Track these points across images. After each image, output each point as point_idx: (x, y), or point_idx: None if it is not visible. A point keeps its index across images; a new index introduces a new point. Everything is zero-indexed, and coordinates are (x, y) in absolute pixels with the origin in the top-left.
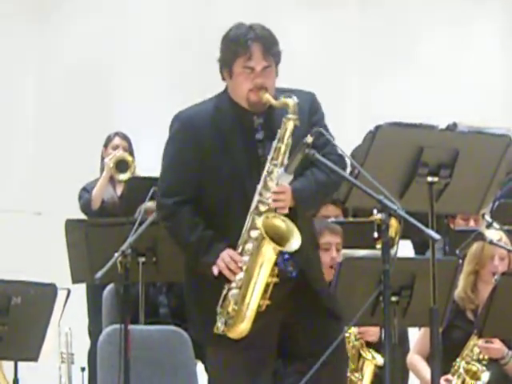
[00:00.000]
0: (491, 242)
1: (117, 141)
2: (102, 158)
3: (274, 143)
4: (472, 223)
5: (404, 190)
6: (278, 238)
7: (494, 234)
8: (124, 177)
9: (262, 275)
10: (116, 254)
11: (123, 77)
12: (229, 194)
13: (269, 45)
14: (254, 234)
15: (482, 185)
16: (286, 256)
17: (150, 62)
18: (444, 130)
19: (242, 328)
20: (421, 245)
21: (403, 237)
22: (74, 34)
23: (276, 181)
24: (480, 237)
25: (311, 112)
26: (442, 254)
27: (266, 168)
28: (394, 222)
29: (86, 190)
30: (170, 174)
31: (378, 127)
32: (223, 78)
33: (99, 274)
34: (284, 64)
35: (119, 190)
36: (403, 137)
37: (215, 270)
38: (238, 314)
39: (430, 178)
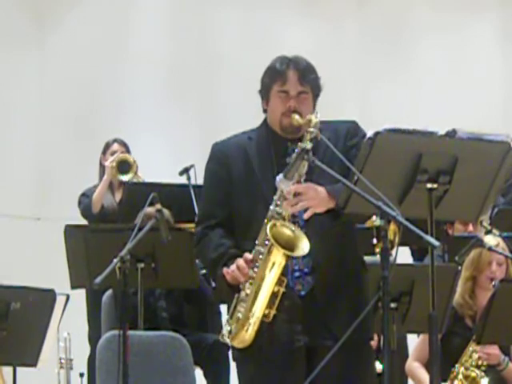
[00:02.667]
0: (490, 249)
1: (115, 147)
2: (101, 165)
3: (293, 155)
4: (470, 228)
5: (403, 196)
6: (288, 245)
7: (492, 239)
8: (126, 178)
9: (269, 282)
10: (115, 260)
11: (122, 85)
12: (253, 214)
13: (304, 71)
14: (267, 244)
15: (481, 191)
16: (297, 274)
17: (149, 70)
18: (443, 136)
19: (245, 335)
20: (419, 251)
21: (402, 243)
22: (74, 41)
23: (279, 189)
24: (479, 243)
25: (347, 137)
26: (440, 261)
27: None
28: (391, 224)
29: (86, 196)
30: (204, 199)
31: (376, 133)
32: (264, 111)
33: (98, 280)
34: None
35: (118, 196)
36: (402, 143)
37: (225, 270)
38: (242, 322)
39: (429, 185)
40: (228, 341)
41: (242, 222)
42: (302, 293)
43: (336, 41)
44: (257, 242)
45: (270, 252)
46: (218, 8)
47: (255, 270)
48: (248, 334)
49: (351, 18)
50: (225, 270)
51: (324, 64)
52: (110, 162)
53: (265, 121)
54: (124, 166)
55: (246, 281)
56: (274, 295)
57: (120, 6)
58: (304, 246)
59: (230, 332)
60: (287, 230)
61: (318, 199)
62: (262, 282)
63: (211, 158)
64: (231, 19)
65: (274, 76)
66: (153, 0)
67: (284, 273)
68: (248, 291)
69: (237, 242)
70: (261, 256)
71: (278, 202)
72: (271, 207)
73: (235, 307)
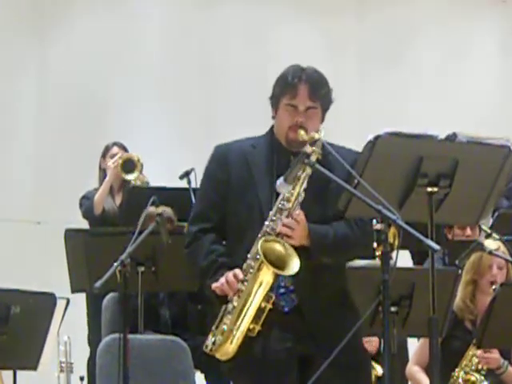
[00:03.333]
0: (490, 252)
1: (115, 150)
2: (100, 168)
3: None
4: (469, 232)
5: (403, 200)
6: (278, 262)
7: (492, 243)
8: (131, 177)
9: (257, 298)
10: (115, 264)
11: (122, 89)
12: (248, 223)
13: (316, 86)
14: (258, 259)
15: (481, 195)
16: (282, 290)
17: (146, 74)
18: (444, 140)
19: (229, 349)
20: (419, 254)
21: (402, 247)
22: (74, 46)
23: (279, 193)
24: (479, 247)
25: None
26: (441, 264)
27: (282, 195)
28: (391, 228)
29: (87, 198)
30: (200, 199)
31: (377, 137)
32: (273, 118)
33: (98, 284)
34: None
35: (118, 200)
36: (402, 147)
37: (215, 284)
38: (227, 334)
39: (429, 188)
40: (211, 351)
41: (235, 229)
42: (286, 309)
43: (334, 45)
44: (249, 255)
45: (259, 269)
46: (218, 12)
47: (244, 283)
48: (231, 347)
49: (352, 25)
50: (214, 285)
51: (322, 67)
52: (113, 162)
53: (271, 129)
54: (129, 165)
55: (234, 294)
56: (260, 311)
57: (120, 11)
58: (294, 265)
59: (213, 343)
60: (279, 247)
61: (299, 237)
62: (249, 297)
63: (212, 160)
64: (231, 23)
65: (284, 88)
66: (152, 6)
67: (271, 289)
68: (235, 303)
69: (228, 249)
70: (251, 270)
71: (274, 218)
72: (266, 222)
73: (221, 318)
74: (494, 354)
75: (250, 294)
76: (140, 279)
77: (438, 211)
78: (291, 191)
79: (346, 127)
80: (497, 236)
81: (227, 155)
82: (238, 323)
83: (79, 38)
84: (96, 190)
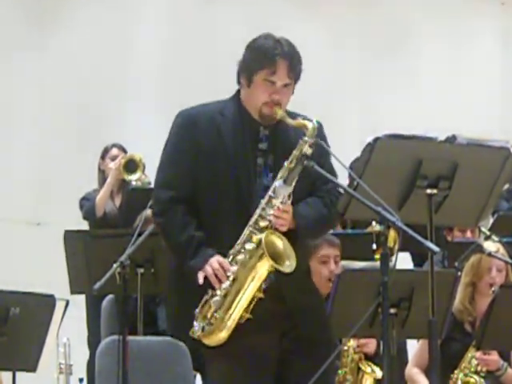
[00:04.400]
0: (490, 254)
1: (114, 152)
2: (100, 170)
3: (286, 163)
4: (469, 234)
5: (403, 201)
6: (275, 257)
7: (491, 245)
8: (134, 177)
9: (251, 289)
10: (114, 265)
11: (122, 90)
12: (223, 197)
13: (294, 63)
14: (249, 246)
15: (481, 197)
16: (263, 286)
17: (148, 72)
18: (443, 142)
19: (221, 337)
20: (419, 256)
21: (402, 249)
22: (76, 46)
23: (279, 195)
24: (479, 249)
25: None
26: (440, 266)
27: (273, 186)
28: (391, 232)
29: (87, 199)
30: (168, 166)
31: (376, 139)
32: (238, 82)
33: (97, 285)
34: None
35: (117, 201)
36: (402, 149)
37: (201, 277)
38: (218, 322)
39: (428, 190)
40: (199, 337)
41: (206, 199)
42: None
43: (338, 45)
44: (239, 241)
45: (258, 259)
46: (219, 10)
47: (234, 268)
48: (222, 336)
49: (353, 26)
50: (200, 274)
51: (325, 68)
52: (115, 163)
53: (237, 96)
54: (131, 165)
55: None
56: (252, 300)
57: (121, 9)
58: (291, 263)
59: (202, 329)
60: (280, 242)
61: (289, 221)
62: (243, 287)
63: (179, 126)
64: (233, 20)
65: (263, 60)
66: (154, 2)
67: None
68: (224, 291)
69: (201, 222)
70: (242, 256)
71: (265, 206)
72: (257, 210)
73: (205, 302)
74: (494, 356)
75: (244, 283)
76: (139, 281)
77: (438, 213)
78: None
79: (348, 119)
80: (496, 238)
81: (195, 119)
82: (231, 312)
83: (81, 38)
84: (95, 191)
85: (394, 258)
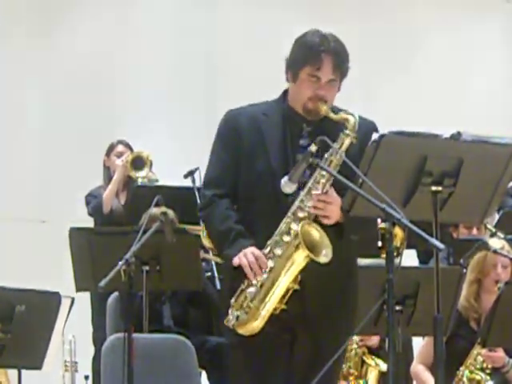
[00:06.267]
0: (495, 251)
1: (120, 148)
2: (105, 166)
3: (327, 155)
4: (475, 231)
5: (408, 198)
6: (311, 247)
7: (497, 242)
8: (141, 174)
9: (286, 279)
10: (120, 263)
11: (127, 86)
12: (260, 191)
13: (340, 60)
14: (287, 238)
15: (486, 194)
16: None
17: (151, 71)
18: (448, 138)
19: (255, 326)
20: (425, 254)
21: (407, 246)
22: (79, 43)
23: (285, 191)
24: (484, 246)
25: (366, 140)
26: (445, 263)
27: (313, 177)
28: (399, 232)
29: (93, 196)
30: (212, 166)
31: (381, 136)
32: (287, 79)
33: (103, 283)
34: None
35: (123, 198)
36: (407, 146)
37: (236, 261)
38: (253, 312)
39: (433, 187)
40: (233, 326)
41: (245, 197)
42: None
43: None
44: (276, 231)
45: (295, 249)
46: (222, 9)
47: (270, 263)
48: (256, 325)
49: (354, 20)
50: (235, 260)
51: None
52: (122, 160)
53: (284, 95)
54: (138, 162)
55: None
56: (287, 291)
57: (124, 8)
58: (328, 253)
59: (237, 318)
60: (316, 233)
61: (336, 214)
62: (279, 277)
63: (223, 124)
64: (235, 20)
65: (308, 56)
66: (160, 3)
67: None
68: (260, 282)
69: (240, 219)
70: (279, 249)
71: (304, 198)
72: (296, 202)
73: (241, 292)
74: (499, 353)
75: (281, 273)
76: (145, 278)
77: (443, 210)
78: (323, 172)
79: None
80: (501, 235)
81: (238, 120)
82: (266, 302)
83: (84, 36)
84: (101, 187)
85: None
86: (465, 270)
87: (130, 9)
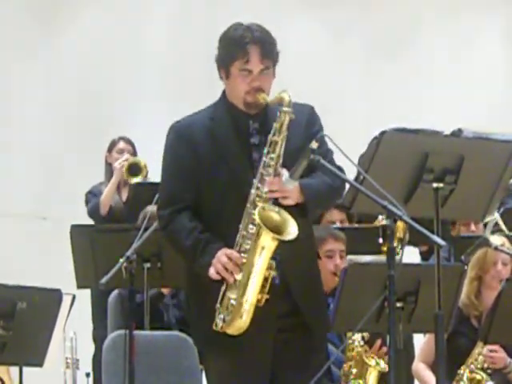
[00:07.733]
0: (496, 248)
1: (121, 145)
2: (107, 163)
3: (269, 136)
4: (473, 227)
5: (409, 195)
6: (275, 228)
7: (497, 239)
8: (136, 181)
9: (260, 267)
10: (121, 260)
11: (128, 84)
12: (225, 198)
13: (267, 47)
14: (252, 229)
15: (487, 191)
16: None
17: (153, 71)
18: (449, 135)
19: (241, 323)
20: (426, 251)
21: (408, 243)
22: (81, 42)
23: (288, 186)
24: (485, 242)
25: (308, 125)
26: (446, 260)
27: (262, 162)
28: (400, 223)
29: (93, 194)
30: (167, 184)
31: (382, 133)
32: (221, 78)
33: (104, 280)
34: (287, 71)
35: (124, 195)
36: (408, 143)
37: (213, 272)
38: (236, 309)
39: (435, 184)
40: (222, 329)
41: (212, 206)
42: (276, 281)
43: (341, 43)
44: (240, 226)
45: (258, 236)
46: (225, 10)
47: (243, 256)
48: (243, 321)
49: (355, 20)
50: (211, 273)
51: (330, 66)
52: (119, 163)
53: (224, 94)
54: (134, 169)
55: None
56: (265, 280)
57: (128, 7)
58: (292, 230)
59: (223, 320)
60: (274, 214)
61: (294, 194)
62: (253, 267)
63: (175, 137)
64: (236, 20)
65: (234, 51)
66: (161, 1)
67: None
68: (238, 277)
69: (206, 227)
70: (248, 241)
71: (259, 185)
72: (252, 191)
73: (224, 294)
74: (500, 354)
75: (253, 263)
76: (146, 275)
77: (444, 207)
78: (271, 155)
79: (352, 116)
80: (504, 227)
81: (191, 132)
82: (246, 296)
83: (87, 34)
84: (102, 184)
85: (400, 252)
86: (466, 267)
87: (136, 9)
